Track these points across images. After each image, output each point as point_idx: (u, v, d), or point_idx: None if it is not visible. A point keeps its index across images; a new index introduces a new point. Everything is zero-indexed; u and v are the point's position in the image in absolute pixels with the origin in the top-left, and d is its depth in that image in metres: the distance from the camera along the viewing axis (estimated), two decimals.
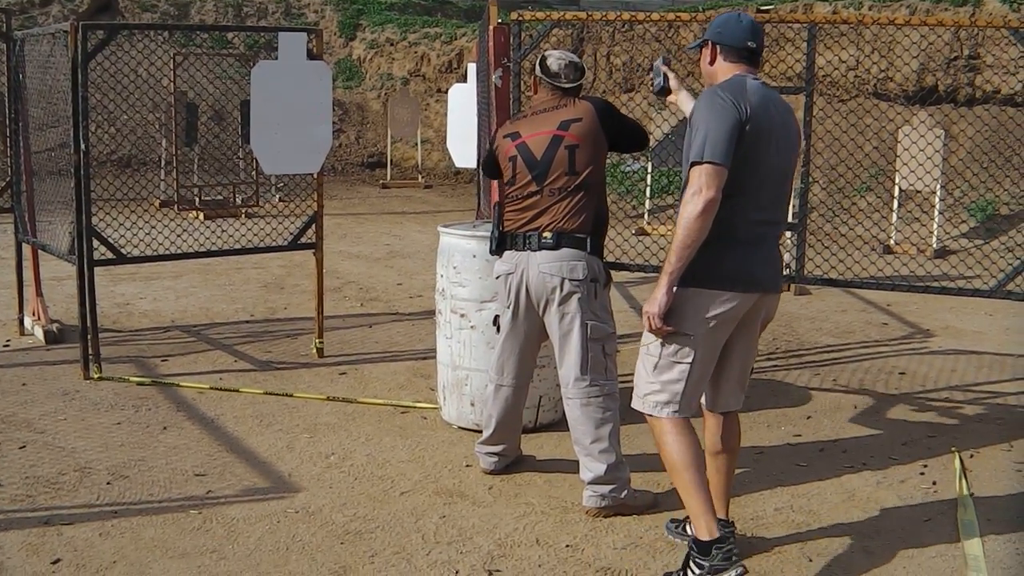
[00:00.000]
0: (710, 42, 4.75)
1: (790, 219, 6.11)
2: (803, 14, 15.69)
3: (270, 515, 5.30)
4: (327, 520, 5.26)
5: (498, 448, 5.88)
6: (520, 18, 7.21)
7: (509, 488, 5.70)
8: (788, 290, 10.35)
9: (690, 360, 4.56)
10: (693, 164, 4.36)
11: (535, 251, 5.47)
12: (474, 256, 6.33)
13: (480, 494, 5.61)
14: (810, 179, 6.99)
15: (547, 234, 5.45)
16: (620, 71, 18.15)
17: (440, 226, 6.68)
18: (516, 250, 5.56)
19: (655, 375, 4.63)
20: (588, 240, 5.47)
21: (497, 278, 5.72)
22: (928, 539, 5.21)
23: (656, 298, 4.45)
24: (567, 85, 5.65)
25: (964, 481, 5.91)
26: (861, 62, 15.05)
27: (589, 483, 5.43)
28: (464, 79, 10.40)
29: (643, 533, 5.18)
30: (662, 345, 4.58)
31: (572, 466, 5.98)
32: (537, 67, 5.70)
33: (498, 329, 5.90)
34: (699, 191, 4.30)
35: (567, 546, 5.02)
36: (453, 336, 6.48)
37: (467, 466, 5.99)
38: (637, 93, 17.28)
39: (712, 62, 4.73)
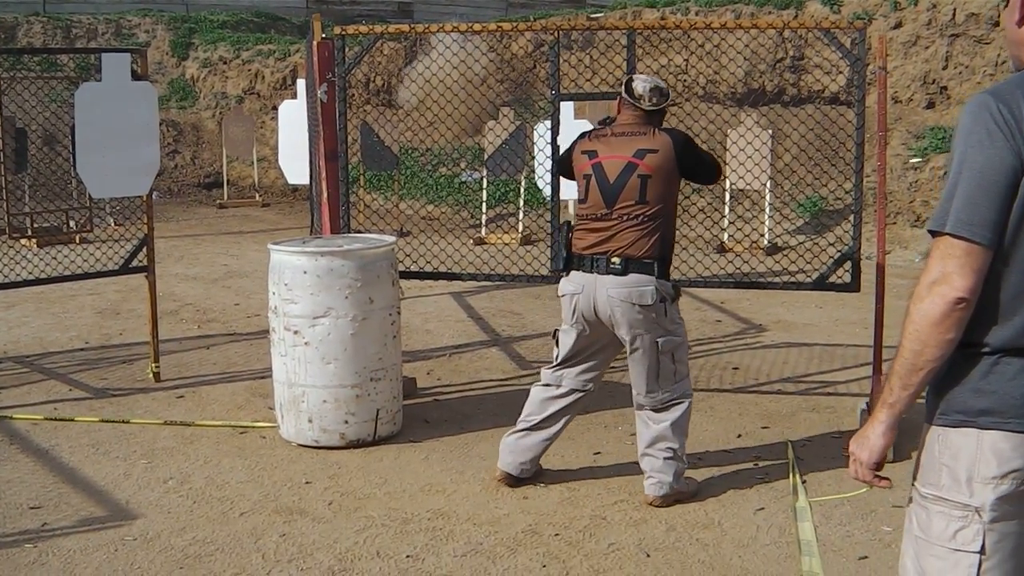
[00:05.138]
0: None
1: None
2: (632, 20, 15.95)
3: (107, 544, 5.22)
4: (166, 545, 5.20)
5: (528, 457, 5.91)
6: (343, 32, 7.22)
7: (349, 503, 5.69)
8: None
9: (977, 548, 2.74)
10: (932, 233, 2.72)
11: (603, 274, 5.54)
12: (304, 272, 6.31)
13: (320, 510, 5.59)
14: None
15: (615, 260, 5.51)
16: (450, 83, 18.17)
17: (270, 243, 6.66)
18: (584, 271, 5.61)
19: (930, 565, 2.82)
20: (655, 265, 5.53)
21: (561, 296, 5.74)
22: (762, 527, 5.37)
23: (867, 436, 2.85)
24: (649, 108, 5.68)
25: (796, 469, 6.09)
26: (689, 66, 15.34)
27: (650, 472, 5.68)
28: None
29: (483, 540, 5.23)
30: (930, 521, 2.80)
31: (411, 477, 6.04)
32: (622, 88, 5.76)
33: (557, 343, 5.87)
34: (939, 280, 2.66)
35: (408, 556, 5.04)
36: (287, 353, 6.45)
37: (307, 483, 5.97)
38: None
39: (1023, 21, 2.76)
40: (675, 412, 5.69)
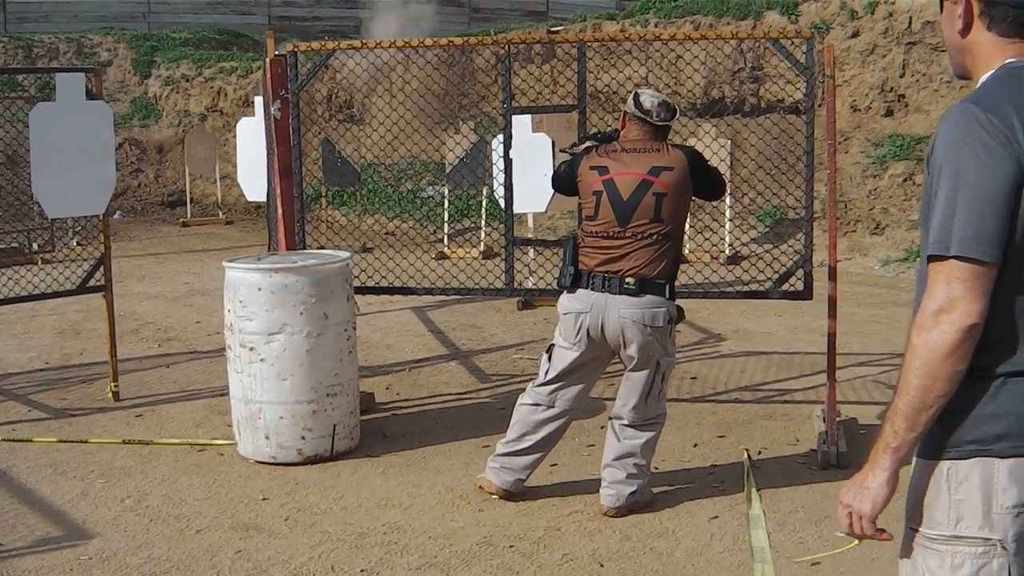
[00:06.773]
0: None
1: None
2: (592, 32, 16.02)
3: (63, 564, 5.21)
4: (121, 564, 5.20)
5: (525, 475, 5.90)
6: (295, 49, 7.25)
7: (305, 518, 5.70)
8: None
9: None
10: (932, 258, 2.51)
11: (615, 294, 5.48)
12: (259, 289, 6.32)
13: (276, 526, 5.60)
14: None
15: (630, 280, 5.45)
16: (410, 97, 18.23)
17: (225, 261, 6.66)
18: (593, 290, 5.53)
19: None
20: (667, 286, 5.52)
21: (564, 314, 5.65)
22: (716, 535, 5.41)
23: (868, 487, 2.61)
24: (658, 123, 5.63)
25: (751, 477, 6.13)
26: (650, 79, 15.40)
27: (609, 483, 5.67)
28: None
29: (437, 552, 5.24)
30: (943, 564, 2.59)
31: (368, 492, 6.05)
32: (630, 102, 5.68)
33: (550, 358, 5.77)
34: (946, 307, 2.45)
35: (362, 571, 5.06)
36: (243, 370, 6.45)
37: (264, 499, 5.98)
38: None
39: (966, 30, 2.64)
40: (651, 431, 5.71)
